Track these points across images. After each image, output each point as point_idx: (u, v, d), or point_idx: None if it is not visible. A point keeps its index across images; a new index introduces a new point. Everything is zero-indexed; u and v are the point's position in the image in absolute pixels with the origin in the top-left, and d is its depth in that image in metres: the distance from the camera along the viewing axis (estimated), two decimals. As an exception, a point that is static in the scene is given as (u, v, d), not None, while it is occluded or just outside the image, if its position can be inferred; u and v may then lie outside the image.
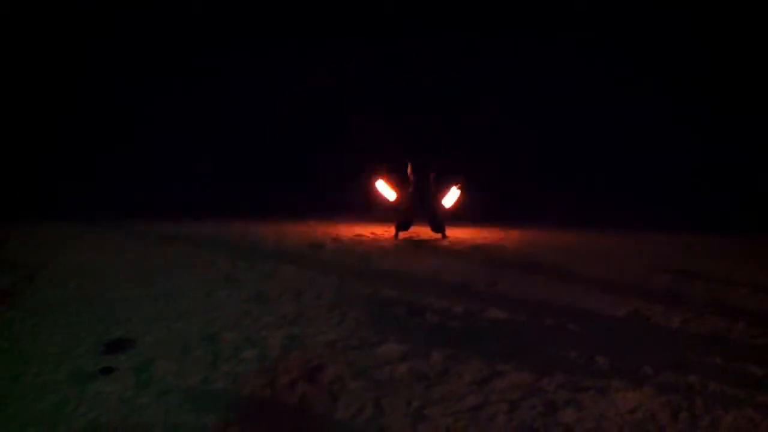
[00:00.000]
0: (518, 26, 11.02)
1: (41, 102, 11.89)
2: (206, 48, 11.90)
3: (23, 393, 3.32)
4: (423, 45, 11.02)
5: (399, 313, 4.68)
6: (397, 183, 7.80)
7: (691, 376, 3.59)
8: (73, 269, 5.81)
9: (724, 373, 3.66)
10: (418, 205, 7.64)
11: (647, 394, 3.38)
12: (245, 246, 6.90)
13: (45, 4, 12.06)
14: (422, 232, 7.65)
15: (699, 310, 4.81)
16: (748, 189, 9.16)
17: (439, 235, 7.65)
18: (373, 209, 8.20)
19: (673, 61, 10.35)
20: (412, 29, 11.25)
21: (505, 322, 4.54)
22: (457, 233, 7.69)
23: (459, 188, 7.68)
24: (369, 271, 5.96)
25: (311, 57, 11.95)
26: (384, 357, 3.83)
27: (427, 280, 5.62)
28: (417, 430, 3.06)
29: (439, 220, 7.67)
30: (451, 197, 7.69)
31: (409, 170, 7.63)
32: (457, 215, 7.79)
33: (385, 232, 7.77)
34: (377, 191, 7.85)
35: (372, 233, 7.73)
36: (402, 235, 7.68)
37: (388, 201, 7.85)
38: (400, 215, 7.74)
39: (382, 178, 7.81)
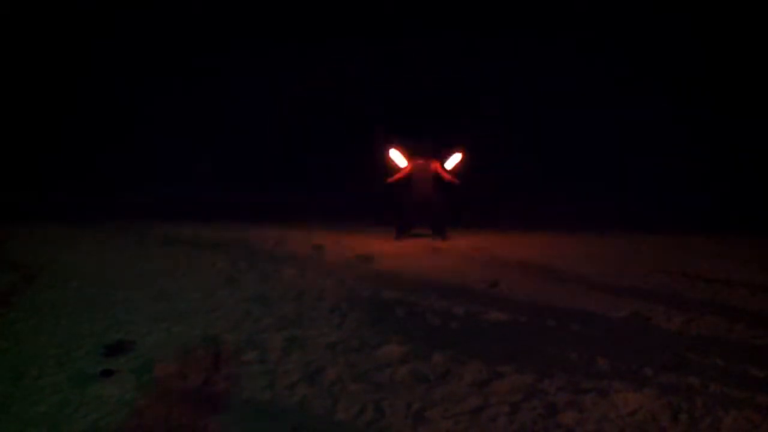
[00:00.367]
0: (518, 26, 11.03)
1: (41, 102, 11.89)
2: (206, 48, 11.90)
3: (24, 394, 3.32)
4: (423, 45, 11.02)
5: (399, 315, 4.69)
6: (407, 154, 7.94)
7: (691, 377, 3.59)
8: (74, 270, 5.82)
9: (724, 374, 3.66)
10: (419, 194, 7.67)
11: (648, 396, 3.37)
12: (246, 247, 6.91)
13: (45, 4, 12.06)
14: (423, 234, 7.66)
15: (699, 311, 4.81)
16: (748, 189, 9.17)
17: (440, 238, 7.66)
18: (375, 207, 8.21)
19: (673, 61, 10.35)
20: (412, 29, 11.25)
21: (506, 324, 4.54)
22: (457, 236, 7.70)
23: (461, 153, 7.77)
24: (370, 273, 5.96)
25: (311, 57, 11.95)
26: (384, 358, 3.83)
27: (428, 282, 5.62)
28: (417, 432, 3.06)
29: (441, 222, 7.67)
30: (453, 160, 7.79)
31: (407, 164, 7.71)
32: (457, 218, 7.81)
33: (386, 233, 7.77)
34: (390, 159, 7.97)
35: (373, 235, 7.74)
36: (402, 236, 7.69)
37: (399, 168, 7.94)
38: (401, 216, 7.75)
39: (395, 148, 7.95)
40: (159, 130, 11.94)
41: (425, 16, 11.37)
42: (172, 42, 11.99)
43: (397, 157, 7.93)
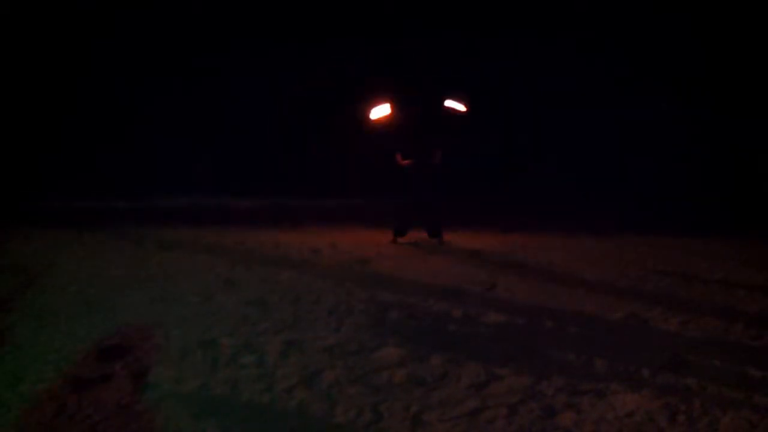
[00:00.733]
0: (518, 26, 11.02)
1: (41, 102, 11.89)
2: (206, 48, 11.90)
3: (22, 399, 3.33)
4: (423, 45, 11.02)
5: (397, 317, 4.69)
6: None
7: (689, 378, 3.59)
8: (73, 274, 5.82)
9: (722, 375, 3.66)
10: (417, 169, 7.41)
11: (645, 397, 3.38)
12: (244, 250, 6.92)
13: (45, 4, 12.07)
14: (420, 236, 7.65)
15: (697, 311, 4.82)
16: (747, 190, 9.16)
17: (436, 240, 7.65)
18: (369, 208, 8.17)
19: (673, 61, 10.34)
20: (412, 29, 11.25)
21: (504, 326, 4.54)
22: (454, 237, 7.69)
23: (464, 104, 7.46)
24: (367, 276, 5.97)
25: (311, 57, 11.95)
26: (382, 361, 3.83)
27: (426, 284, 5.63)
28: (415, 435, 3.07)
29: (437, 224, 7.66)
30: (457, 106, 7.42)
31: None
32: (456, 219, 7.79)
33: (383, 236, 7.76)
34: (373, 117, 7.47)
35: (370, 238, 7.73)
36: (400, 239, 7.69)
37: (382, 120, 7.44)
38: (398, 218, 7.75)
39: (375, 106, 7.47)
40: (159, 130, 11.94)
41: (425, 16, 11.36)
42: (172, 42, 11.99)
43: (380, 111, 7.37)
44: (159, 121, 11.97)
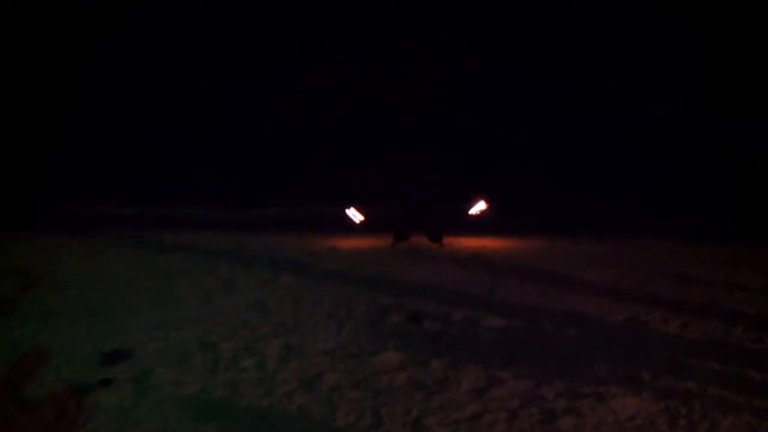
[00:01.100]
0: (518, 26, 10.99)
1: (41, 102, 11.88)
2: (206, 48, 11.88)
3: (23, 403, 3.33)
4: (423, 45, 10.99)
5: (398, 321, 4.69)
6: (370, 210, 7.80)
7: (689, 381, 3.59)
8: (73, 277, 5.82)
9: (722, 378, 3.66)
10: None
11: (646, 400, 3.38)
12: (244, 254, 6.89)
13: (45, 4, 12.05)
14: (420, 240, 7.63)
15: (697, 314, 4.81)
16: (747, 190, 9.13)
17: (436, 243, 7.62)
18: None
19: (673, 61, 10.31)
20: (412, 29, 11.22)
21: (504, 329, 4.54)
22: (454, 241, 7.68)
23: (485, 202, 7.81)
24: (367, 279, 5.95)
25: (311, 57, 11.93)
26: (383, 365, 3.84)
27: (426, 288, 5.61)
28: (415, 439, 3.07)
29: (437, 227, 7.64)
30: (477, 208, 7.80)
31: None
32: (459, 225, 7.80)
33: (383, 240, 7.75)
34: (348, 217, 7.85)
35: (370, 242, 7.72)
36: (400, 243, 7.66)
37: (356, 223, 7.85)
38: (398, 223, 7.73)
39: (353, 207, 7.85)
40: (159, 130, 11.93)
41: (425, 16, 11.34)
42: (172, 42, 11.97)
43: (354, 215, 7.82)
44: (159, 121, 11.96)
